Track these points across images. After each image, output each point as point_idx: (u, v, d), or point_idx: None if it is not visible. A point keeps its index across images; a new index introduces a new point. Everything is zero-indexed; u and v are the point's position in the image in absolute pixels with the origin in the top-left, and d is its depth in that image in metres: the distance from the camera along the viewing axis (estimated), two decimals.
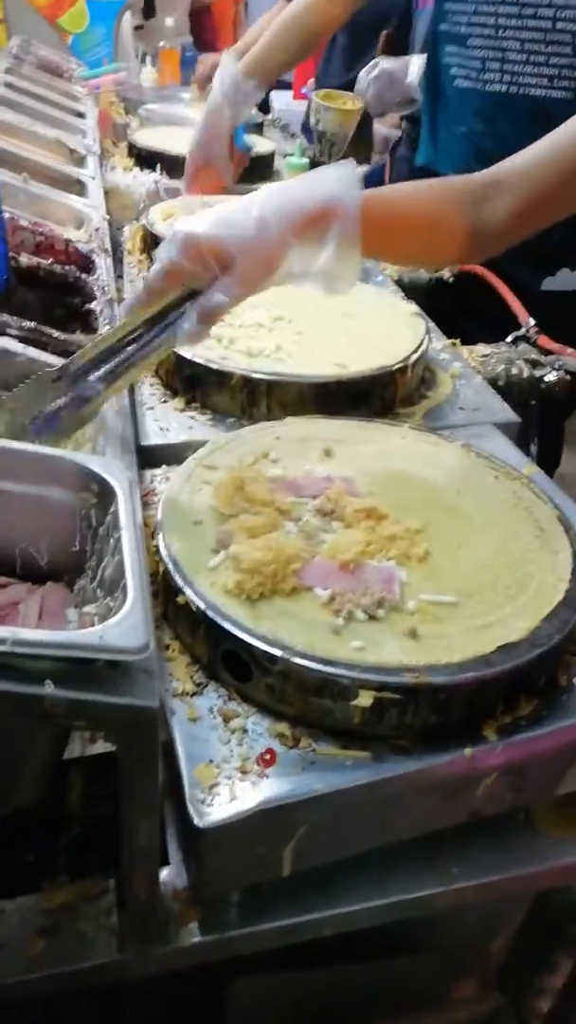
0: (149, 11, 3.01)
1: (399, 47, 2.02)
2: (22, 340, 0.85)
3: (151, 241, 1.38)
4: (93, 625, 0.56)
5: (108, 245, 1.23)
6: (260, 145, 1.95)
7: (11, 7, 4.00)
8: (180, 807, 0.58)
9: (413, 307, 1.17)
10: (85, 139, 1.74)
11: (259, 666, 0.61)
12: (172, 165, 1.72)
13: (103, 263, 1.15)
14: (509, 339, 1.21)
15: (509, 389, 1.12)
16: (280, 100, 3.08)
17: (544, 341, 1.19)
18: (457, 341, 1.20)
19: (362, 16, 1.61)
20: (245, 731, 0.62)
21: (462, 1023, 0.96)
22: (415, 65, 1.77)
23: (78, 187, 1.45)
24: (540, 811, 0.71)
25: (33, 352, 0.84)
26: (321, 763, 0.59)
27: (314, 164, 1.94)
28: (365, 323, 1.10)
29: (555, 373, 1.13)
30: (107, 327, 0.98)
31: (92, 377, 0.75)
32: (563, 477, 1.93)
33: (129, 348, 0.75)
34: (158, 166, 1.74)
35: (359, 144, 1.95)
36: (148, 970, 0.61)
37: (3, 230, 0.95)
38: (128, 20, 2.87)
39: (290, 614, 0.64)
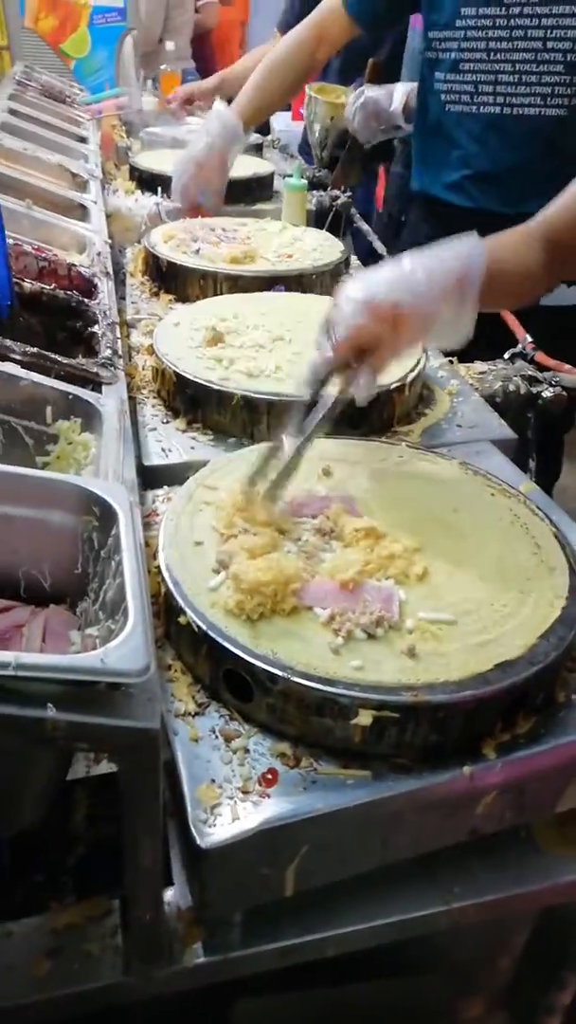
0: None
1: (390, 72, 2.05)
2: (25, 365, 0.86)
3: (153, 263, 1.41)
4: (96, 647, 0.56)
5: (110, 269, 1.25)
6: (259, 166, 1.98)
7: (15, 33, 4.07)
8: (183, 827, 0.58)
9: None
10: (87, 164, 1.77)
11: (260, 686, 0.62)
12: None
13: (105, 287, 1.16)
14: (506, 356, 1.22)
15: (507, 406, 1.13)
16: (279, 121, 3.12)
17: (541, 357, 1.20)
18: (454, 359, 1.21)
19: (356, 41, 1.64)
20: (247, 751, 0.62)
21: None
22: (399, 93, 1.80)
23: (80, 212, 1.47)
24: (541, 829, 0.72)
25: (36, 377, 0.85)
26: (322, 782, 0.60)
27: (313, 184, 1.97)
28: None
29: (552, 389, 1.14)
30: (109, 348, 1.00)
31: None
32: (564, 491, 1.94)
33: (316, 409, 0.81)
34: (159, 189, 1.77)
35: (350, 167, 1.97)
36: (153, 991, 0.61)
37: (7, 256, 0.97)
38: (129, 44, 2.92)
39: (290, 634, 0.65)
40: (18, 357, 0.87)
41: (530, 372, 1.17)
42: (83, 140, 1.96)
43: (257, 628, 0.65)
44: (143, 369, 1.13)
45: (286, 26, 2.35)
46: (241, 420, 0.99)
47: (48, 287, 1.08)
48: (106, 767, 0.74)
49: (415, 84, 1.63)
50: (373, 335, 0.79)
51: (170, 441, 0.99)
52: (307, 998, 0.81)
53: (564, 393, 1.14)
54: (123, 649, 0.50)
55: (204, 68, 3.22)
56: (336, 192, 1.93)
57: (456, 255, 0.83)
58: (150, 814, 0.52)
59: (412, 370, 1.03)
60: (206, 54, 3.33)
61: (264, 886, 0.60)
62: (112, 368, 0.96)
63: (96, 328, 1.05)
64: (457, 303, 0.81)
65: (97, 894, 0.63)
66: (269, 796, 0.59)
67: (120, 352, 1.02)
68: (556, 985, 0.92)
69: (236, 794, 0.59)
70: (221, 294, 1.32)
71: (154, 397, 1.08)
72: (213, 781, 0.60)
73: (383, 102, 1.80)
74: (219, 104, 1.63)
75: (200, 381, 1.00)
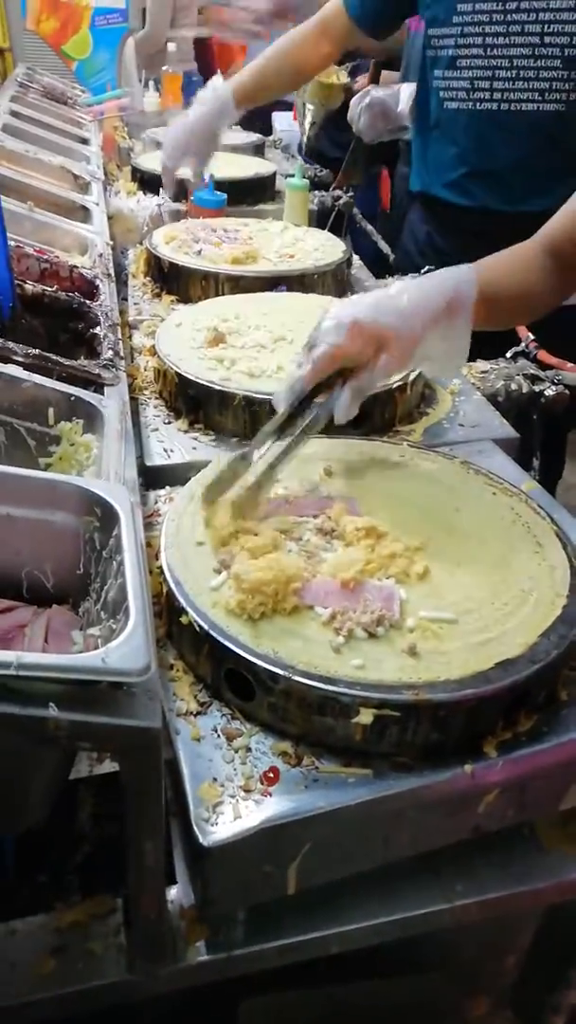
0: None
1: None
2: (27, 367, 0.86)
3: (155, 264, 1.41)
4: (97, 647, 0.57)
5: (112, 271, 1.25)
6: (261, 167, 1.98)
7: (16, 35, 4.09)
8: (185, 826, 0.59)
9: None
10: (89, 165, 1.77)
11: (261, 685, 0.62)
12: None
13: (107, 289, 1.17)
14: (508, 355, 1.22)
15: (509, 405, 1.13)
16: (281, 122, 3.11)
17: (544, 356, 1.20)
18: None
19: None
20: (248, 750, 0.62)
21: None
22: (406, 93, 1.80)
23: (82, 213, 1.47)
24: (544, 827, 0.72)
25: (38, 379, 0.86)
26: (324, 781, 0.60)
27: (315, 185, 1.97)
28: None
29: (554, 388, 1.14)
30: (111, 349, 1.00)
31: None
32: (570, 488, 1.94)
33: (296, 426, 0.81)
34: (161, 190, 1.77)
35: (354, 168, 1.97)
36: (156, 989, 0.62)
37: (8, 258, 0.97)
38: (131, 45, 2.92)
39: (291, 633, 0.65)
40: (20, 359, 0.88)
41: (532, 371, 1.17)
42: (85, 142, 1.97)
43: (258, 627, 0.65)
44: (145, 370, 1.14)
45: None
46: (243, 420, 0.99)
47: (50, 289, 1.09)
48: (110, 766, 0.74)
49: None
50: (354, 355, 0.80)
51: (172, 441, 0.99)
52: (312, 996, 0.81)
53: (566, 391, 1.14)
54: (124, 649, 0.51)
55: (205, 70, 3.23)
56: (338, 192, 1.93)
57: (443, 281, 0.84)
58: (152, 813, 0.53)
59: (413, 369, 1.03)
60: (207, 56, 3.34)
61: (266, 884, 0.60)
62: (114, 369, 0.97)
63: (98, 330, 1.06)
64: (445, 328, 0.82)
65: (101, 892, 0.64)
66: (271, 795, 0.59)
67: (122, 353, 1.02)
68: (562, 984, 0.92)
69: (238, 793, 0.59)
70: (223, 295, 1.32)
71: (156, 398, 1.09)
72: (215, 780, 0.60)
73: (390, 102, 1.79)
74: (217, 78, 1.63)
75: (202, 382, 1.00)
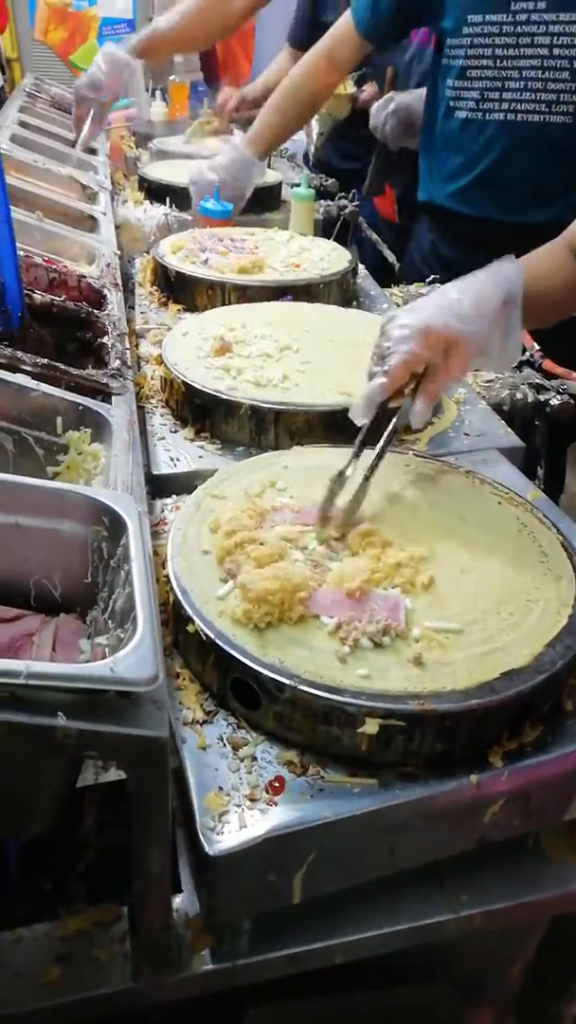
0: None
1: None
2: (36, 376, 0.87)
3: (161, 273, 1.42)
4: (105, 656, 0.57)
5: (119, 280, 1.26)
6: (267, 176, 1.99)
7: (25, 45, 4.12)
8: (191, 835, 0.59)
9: None
10: (97, 175, 1.79)
11: (267, 694, 0.63)
12: (181, 198, 1.76)
13: (114, 298, 1.18)
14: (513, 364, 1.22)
15: (514, 414, 1.13)
16: None
17: (549, 365, 1.20)
18: None
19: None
20: (254, 759, 0.63)
21: None
22: None
23: (90, 223, 1.49)
24: (549, 837, 0.72)
25: (47, 388, 0.86)
26: (329, 790, 0.60)
27: (321, 194, 1.98)
28: (369, 351, 1.12)
29: (559, 397, 1.14)
30: (119, 358, 1.01)
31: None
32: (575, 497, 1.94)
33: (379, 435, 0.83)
34: (168, 199, 1.78)
35: (376, 177, 1.98)
36: (161, 998, 0.62)
37: (18, 268, 0.98)
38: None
39: (297, 642, 0.65)
40: (29, 368, 0.89)
41: (537, 380, 1.18)
42: (93, 152, 1.98)
43: (264, 637, 0.66)
44: (152, 379, 1.14)
45: (296, 39, 2.38)
46: (249, 429, 0.99)
47: (58, 299, 1.10)
48: (115, 774, 0.74)
49: None
50: (426, 361, 0.81)
51: (179, 450, 1.00)
52: (317, 1006, 0.81)
53: (572, 401, 1.15)
54: (132, 658, 0.51)
55: (211, 79, 3.25)
56: (344, 202, 1.94)
57: (496, 279, 0.85)
58: (158, 821, 0.53)
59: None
60: (213, 65, 3.36)
61: (272, 893, 0.60)
62: (121, 379, 0.98)
63: (105, 339, 1.07)
64: (504, 327, 0.84)
65: (106, 901, 0.64)
66: (276, 804, 0.59)
67: (129, 363, 1.03)
68: (567, 994, 0.92)
69: (244, 802, 0.59)
70: (229, 304, 1.33)
71: (163, 407, 1.09)
72: (221, 789, 0.60)
73: (415, 104, 1.80)
74: (238, 136, 1.69)
75: (208, 391, 1.01)
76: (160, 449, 1.00)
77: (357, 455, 0.83)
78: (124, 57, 1.96)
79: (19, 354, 0.90)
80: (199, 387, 1.01)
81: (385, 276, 1.74)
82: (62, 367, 0.92)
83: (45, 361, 0.91)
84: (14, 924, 0.62)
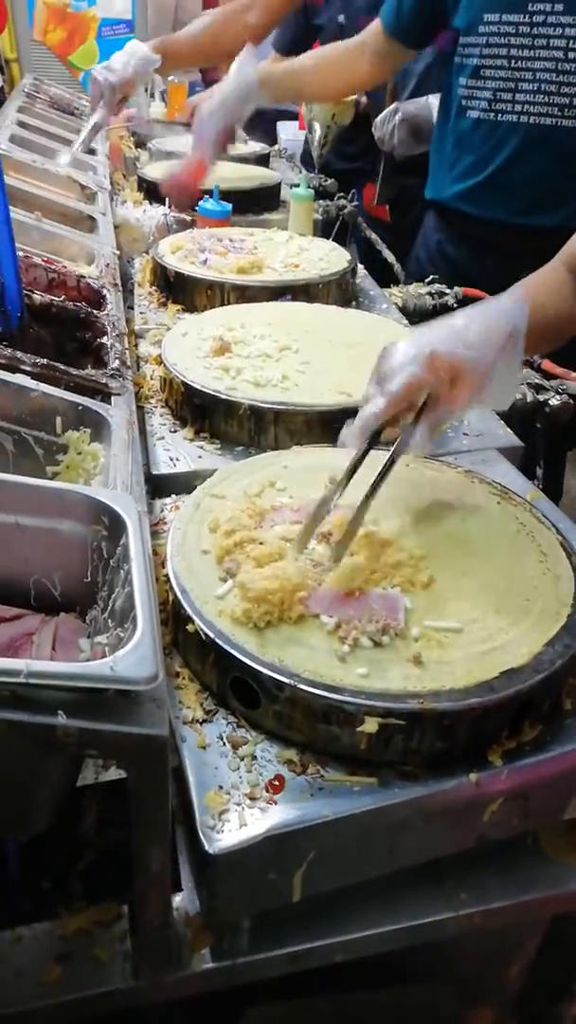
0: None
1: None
2: (35, 376, 0.87)
3: (161, 273, 1.42)
4: (105, 655, 0.57)
5: (118, 280, 1.26)
6: (266, 176, 2.00)
7: (24, 45, 4.12)
8: (191, 833, 0.59)
9: None
10: (96, 175, 1.79)
11: (267, 693, 0.63)
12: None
13: (113, 298, 1.18)
14: None
15: (513, 414, 1.13)
16: (286, 131, 3.13)
17: (548, 365, 1.20)
18: None
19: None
20: (254, 758, 0.63)
21: None
22: (436, 106, 1.80)
23: (89, 223, 1.49)
24: (548, 836, 0.72)
25: (46, 388, 0.86)
26: (329, 789, 0.60)
27: (320, 194, 1.98)
28: (368, 351, 1.12)
29: (559, 397, 1.14)
30: (118, 358, 1.01)
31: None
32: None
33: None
34: (167, 200, 1.78)
35: (384, 186, 1.98)
36: (161, 997, 0.62)
37: (17, 268, 0.98)
38: None
39: (297, 642, 0.65)
40: (28, 368, 0.89)
41: (536, 380, 1.18)
42: (91, 152, 1.98)
43: (264, 636, 0.66)
44: (151, 379, 1.14)
45: (282, 44, 2.38)
46: (248, 429, 1.00)
47: (57, 299, 1.10)
48: (115, 773, 0.75)
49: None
50: (430, 387, 0.77)
51: (178, 450, 1.00)
52: (316, 1005, 0.81)
53: (571, 401, 1.15)
54: (132, 657, 0.51)
55: (206, 79, 3.26)
56: (343, 202, 1.94)
57: (502, 311, 0.82)
58: (159, 820, 0.53)
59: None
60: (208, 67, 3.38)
61: (271, 892, 0.61)
62: (120, 379, 0.98)
63: (105, 339, 1.07)
64: (509, 358, 0.81)
65: (106, 899, 0.64)
66: (276, 803, 0.59)
67: (128, 363, 1.03)
68: (566, 994, 0.92)
69: (244, 800, 0.59)
70: (228, 304, 1.33)
71: (162, 406, 1.09)
72: (221, 787, 0.60)
73: (422, 114, 1.79)
74: (248, 51, 1.65)
75: (208, 391, 1.01)
76: (159, 449, 1.00)
77: (345, 484, 0.77)
78: (153, 57, 1.95)
79: (19, 354, 0.90)
80: (198, 387, 1.02)
81: (386, 276, 1.74)
82: (61, 367, 0.92)
83: (44, 361, 0.91)
84: (14, 923, 0.62)
